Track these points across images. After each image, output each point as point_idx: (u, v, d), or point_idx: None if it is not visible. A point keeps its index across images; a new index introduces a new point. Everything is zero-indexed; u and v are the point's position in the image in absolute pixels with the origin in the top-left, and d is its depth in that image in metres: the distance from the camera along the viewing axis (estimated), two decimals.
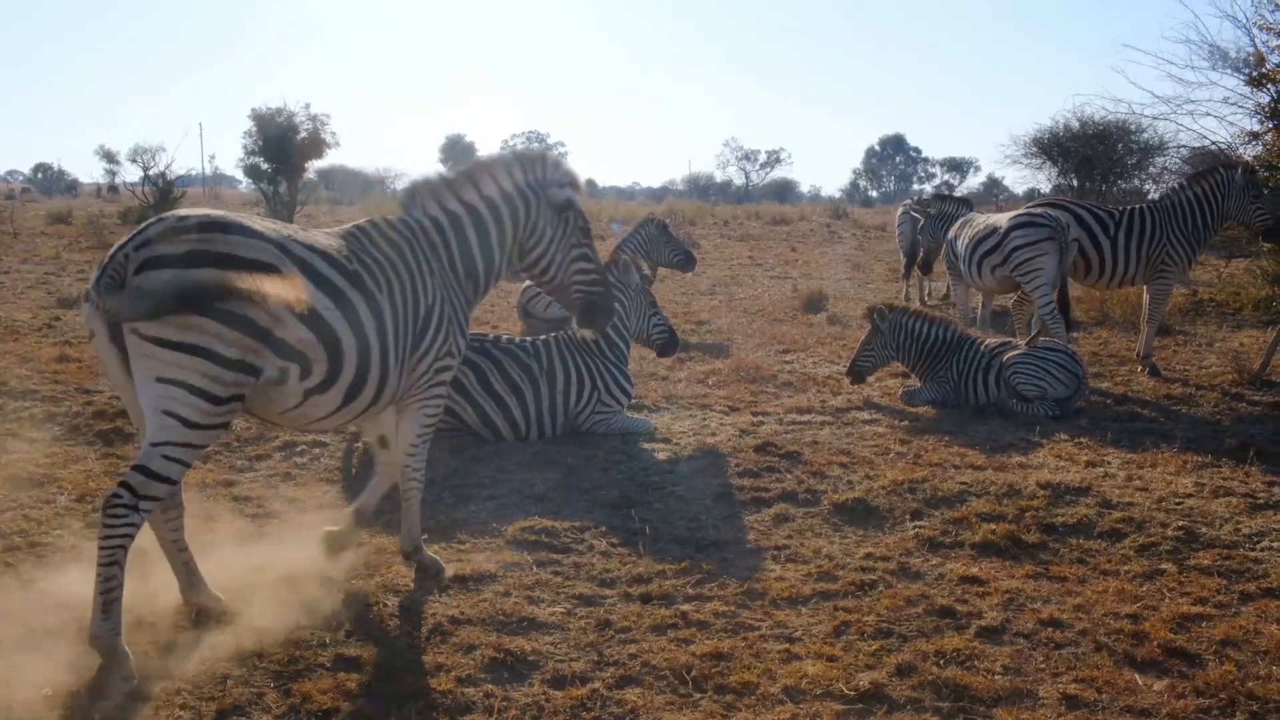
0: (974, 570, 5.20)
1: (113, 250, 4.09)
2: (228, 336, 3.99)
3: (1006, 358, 8.59)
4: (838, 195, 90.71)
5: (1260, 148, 14.33)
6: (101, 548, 4.01)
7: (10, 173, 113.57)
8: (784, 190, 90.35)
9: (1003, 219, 10.47)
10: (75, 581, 4.89)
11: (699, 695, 4.02)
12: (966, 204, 14.12)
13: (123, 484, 4.00)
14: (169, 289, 3.86)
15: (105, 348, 4.14)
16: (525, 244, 5.27)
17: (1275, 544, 5.59)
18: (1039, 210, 10.45)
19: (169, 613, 4.60)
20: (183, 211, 4.22)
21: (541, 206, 5.23)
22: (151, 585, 4.86)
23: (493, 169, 5.17)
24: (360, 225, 4.90)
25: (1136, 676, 4.16)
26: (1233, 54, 14.47)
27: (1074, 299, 14.39)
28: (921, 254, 13.99)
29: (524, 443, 7.44)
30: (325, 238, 4.62)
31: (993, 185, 73.71)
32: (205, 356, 3.97)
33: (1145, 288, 10.47)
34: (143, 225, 4.15)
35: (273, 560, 5.16)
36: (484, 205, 5.12)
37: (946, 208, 13.89)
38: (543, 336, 7.94)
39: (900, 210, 17.28)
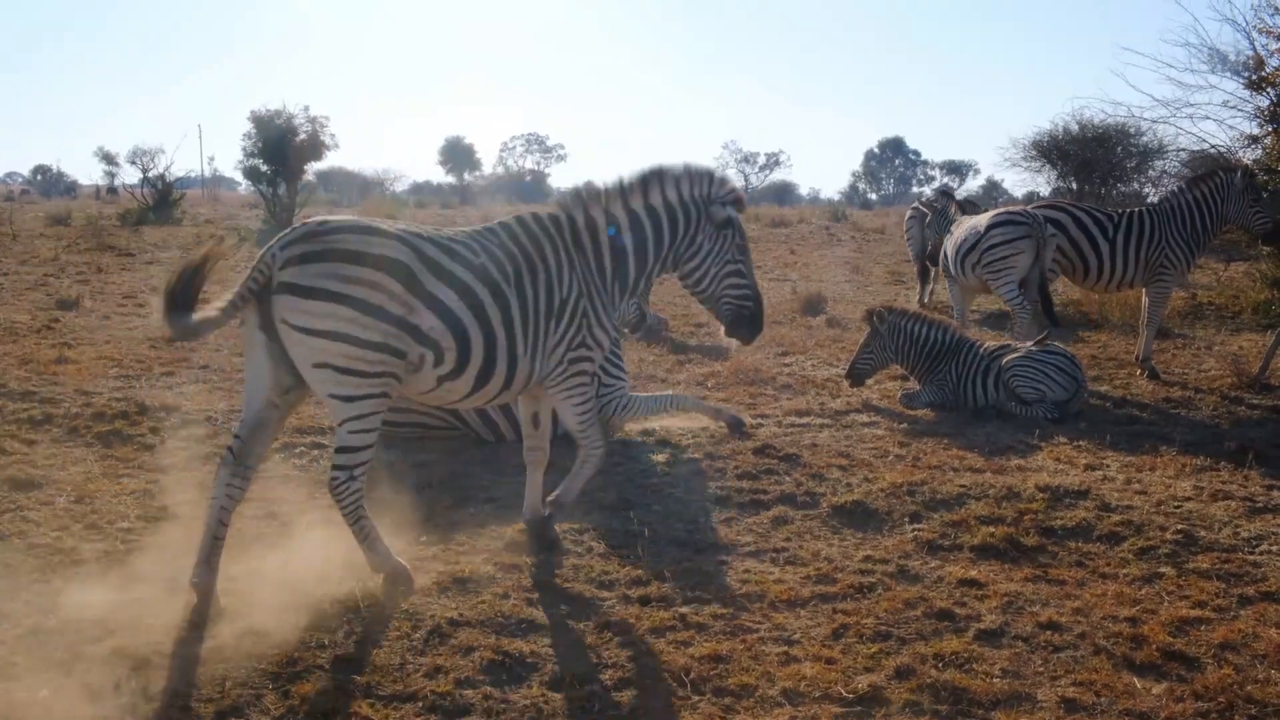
0: (973, 573, 5.20)
1: (262, 251, 4.67)
2: (364, 321, 4.54)
3: (1005, 360, 8.59)
4: (837, 198, 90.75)
5: (1260, 151, 14.39)
6: (344, 514, 4.86)
7: (9, 174, 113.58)
8: (783, 193, 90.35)
9: (985, 219, 10.61)
10: (76, 582, 4.89)
11: (697, 697, 4.02)
12: (973, 205, 14.20)
13: (335, 466, 4.76)
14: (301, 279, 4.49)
15: (252, 332, 4.71)
16: (682, 255, 5.49)
17: (1274, 548, 5.59)
18: (1018, 209, 10.61)
19: (169, 612, 4.59)
20: (323, 216, 4.90)
21: (702, 222, 5.42)
22: (151, 587, 4.86)
23: (662, 180, 5.38)
24: (503, 221, 5.29)
25: (1135, 680, 4.16)
26: (1232, 57, 14.54)
27: (1074, 301, 14.46)
28: (929, 248, 14.07)
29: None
30: (456, 234, 5.05)
31: (992, 188, 73.75)
32: (346, 340, 4.54)
33: (1144, 291, 10.49)
34: (289, 229, 4.75)
35: (280, 562, 5.17)
36: (645, 214, 5.36)
37: (948, 205, 13.96)
38: None
39: (908, 214, 17.36)
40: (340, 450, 4.76)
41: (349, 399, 4.64)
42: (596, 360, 5.40)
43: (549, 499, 5.70)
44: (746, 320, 5.59)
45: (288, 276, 4.54)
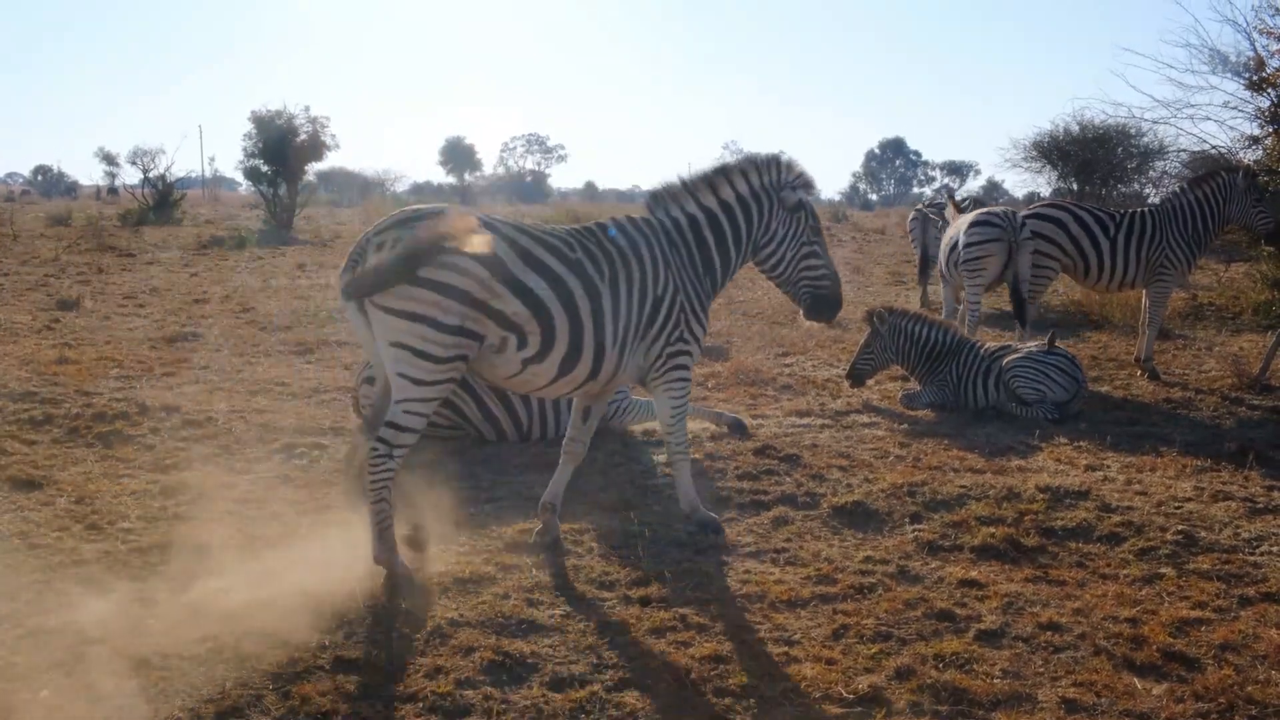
0: (973, 574, 5.20)
1: (359, 238, 4.94)
2: (445, 305, 4.74)
3: (1006, 361, 8.59)
4: (837, 198, 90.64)
5: (1260, 152, 14.39)
6: (369, 489, 4.95)
7: (10, 175, 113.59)
8: None
9: (966, 219, 10.78)
10: (76, 583, 4.90)
11: (698, 698, 4.02)
12: (978, 205, 14.26)
13: (379, 439, 4.90)
14: (387, 266, 4.67)
15: (355, 316, 5.00)
16: (759, 242, 5.70)
17: (1274, 548, 5.59)
18: (998, 211, 10.75)
19: (169, 612, 4.60)
20: (418, 206, 5.10)
21: (775, 208, 5.64)
22: (152, 588, 4.87)
23: (730, 175, 5.62)
24: (600, 222, 5.53)
25: (1135, 680, 4.16)
26: (1233, 58, 14.54)
27: (1074, 302, 14.46)
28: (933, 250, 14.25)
29: (525, 442, 7.44)
30: (555, 229, 5.31)
31: (993, 188, 73.71)
32: (425, 323, 4.75)
33: (1145, 291, 10.49)
34: (385, 218, 5.01)
35: (280, 562, 5.17)
36: (720, 209, 5.59)
37: (946, 206, 14.05)
38: None
39: (911, 215, 17.42)
40: (389, 425, 4.92)
41: (416, 381, 4.85)
42: (695, 355, 5.64)
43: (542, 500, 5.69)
44: (825, 301, 5.81)
45: (380, 261, 4.75)
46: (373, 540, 5.01)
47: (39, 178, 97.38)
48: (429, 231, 4.75)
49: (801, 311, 5.96)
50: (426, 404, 4.93)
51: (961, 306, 11.33)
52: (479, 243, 4.82)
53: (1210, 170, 11.25)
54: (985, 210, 10.92)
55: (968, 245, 10.43)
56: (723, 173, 5.63)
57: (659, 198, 5.64)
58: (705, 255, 5.59)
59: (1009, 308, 11.21)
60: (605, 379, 5.36)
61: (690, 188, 5.61)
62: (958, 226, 10.90)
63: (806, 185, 5.69)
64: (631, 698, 4.00)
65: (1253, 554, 5.52)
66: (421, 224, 4.83)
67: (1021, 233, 10.25)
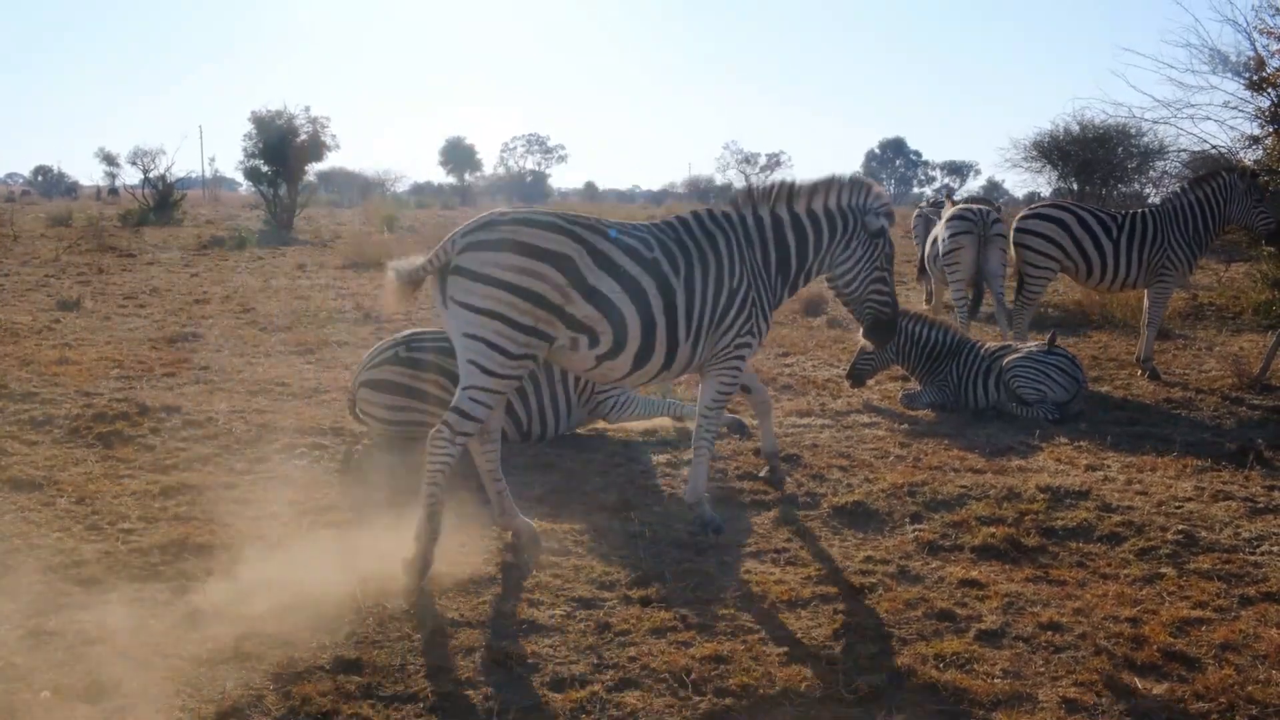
0: (973, 574, 5.20)
1: (445, 239, 5.17)
2: (520, 306, 5.01)
3: (1006, 361, 8.59)
4: None
5: (1260, 152, 14.39)
6: (427, 471, 5.12)
7: (10, 175, 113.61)
8: None
9: (945, 216, 11.09)
10: (76, 583, 4.90)
11: (698, 698, 4.02)
12: (987, 202, 14.39)
13: (444, 423, 5.12)
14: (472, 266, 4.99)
15: (439, 308, 5.21)
16: (837, 257, 5.93)
17: (1275, 548, 5.59)
18: (972, 207, 11.06)
19: (170, 612, 4.60)
20: (503, 209, 5.38)
21: (858, 229, 5.87)
22: (152, 589, 4.87)
23: (826, 187, 5.85)
24: (681, 215, 5.77)
25: (1136, 680, 4.16)
26: (1233, 58, 14.54)
27: (1075, 302, 14.45)
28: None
29: (526, 442, 7.43)
30: (637, 229, 5.52)
31: (993, 188, 73.75)
32: (500, 320, 5.01)
33: (1145, 291, 10.49)
34: (472, 221, 5.24)
35: (281, 562, 5.17)
36: (807, 217, 5.82)
37: (943, 206, 14.13)
38: None
39: (914, 215, 17.51)
40: (454, 410, 5.15)
41: (486, 371, 5.09)
42: (755, 349, 5.86)
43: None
44: (885, 324, 6.12)
45: (462, 261, 5.04)
46: (420, 518, 5.12)
47: (39, 178, 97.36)
48: (511, 234, 5.05)
49: (861, 330, 6.41)
50: (492, 395, 5.16)
51: (937, 303, 11.50)
52: (556, 250, 5.08)
53: (1211, 171, 11.26)
54: (960, 207, 11.19)
55: (944, 239, 10.89)
56: (820, 184, 5.87)
57: (749, 195, 5.84)
58: (782, 257, 5.80)
59: (1007, 306, 11.23)
60: (679, 369, 5.66)
61: (782, 191, 5.83)
62: (939, 225, 11.21)
63: (889, 215, 5.94)
64: (632, 698, 4.00)
65: (1253, 554, 5.52)
66: (505, 226, 5.10)
67: (992, 229, 10.60)
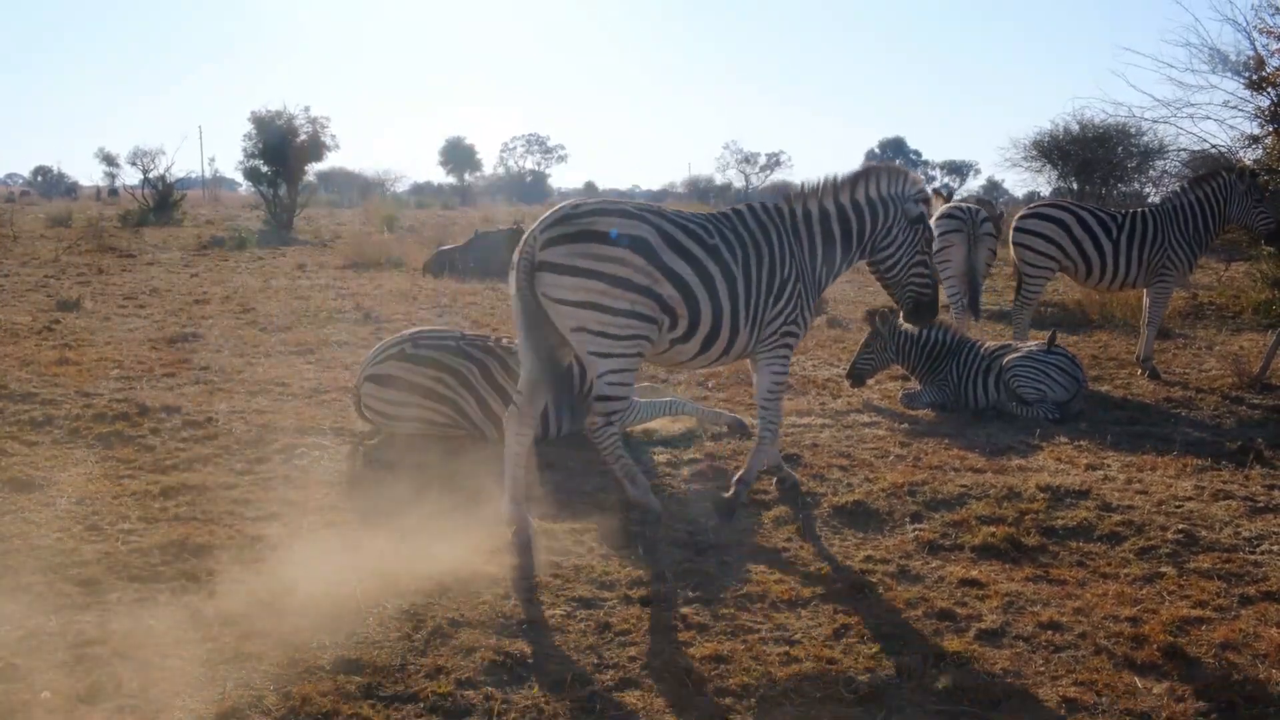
0: (973, 573, 5.20)
1: (527, 233, 5.48)
2: (611, 292, 5.32)
3: (1006, 361, 8.59)
4: None
5: (1260, 151, 14.38)
6: (604, 454, 5.69)
7: (10, 175, 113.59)
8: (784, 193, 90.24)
9: (935, 214, 11.15)
10: (76, 584, 4.89)
11: (699, 698, 4.01)
12: (987, 205, 14.39)
13: (595, 412, 5.54)
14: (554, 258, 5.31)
15: (518, 302, 5.48)
16: (879, 243, 6.23)
17: (1275, 547, 5.59)
18: (961, 205, 11.12)
19: (165, 618, 4.60)
20: (576, 201, 5.66)
21: (898, 216, 6.17)
22: (153, 590, 4.87)
23: (866, 178, 6.16)
24: (735, 208, 6.05)
25: (1136, 679, 4.16)
26: (1233, 57, 14.53)
27: (1075, 302, 14.45)
28: None
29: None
30: (693, 217, 5.81)
31: (993, 188, 73.75)
32: (596, 308, 5.34)
33: (1145, 291, 10.49)
34: (548, 214, 5.53)
35: (281, 563, 5.17)
36: (850, 207, 6.11)
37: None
38: None
39: None
40: (598, 399, 5.54)
41: (604, 356, 5.44)
42: (800, 337, 6.19)
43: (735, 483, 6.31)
44: (926, 307, 6.46)
45: (547, 256, 5.34)
46: (625, 487, 5.75)
47: (39, 178, 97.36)
48: (588, 225, 5.36)
49: (902, 313, 6.67)
50: (622, 374, 5.52)
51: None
52: (635, 235, 5.41)
53: (1210, 170, 11.26)
54: (949, 205, 11.24)
55: (935, 238, 10.81)
56: (859, 175, 6.16)
57: (798, 192, 6.16)
58: (828, 247, 6.09)
59: (1008, 305, 11.23)
60: (737, 354, 5.98)
61: (830, 185, 6.12)
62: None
63: (927, 200, 6.29)
64: (632, 697, 4.00)
65: (1253, 553, 5.52)
66: (581, 218, 5.40)
67: (981, 228, 10.67)
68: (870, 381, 9.42)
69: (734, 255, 5.75)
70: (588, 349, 5.46)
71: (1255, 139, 14.67)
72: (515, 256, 5.47)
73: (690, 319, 5.60)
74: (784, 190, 6.19)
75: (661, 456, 7.27)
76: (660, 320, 5.54)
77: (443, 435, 7.44)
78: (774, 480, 6.45)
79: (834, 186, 6.12)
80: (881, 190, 6.14)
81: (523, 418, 5.72)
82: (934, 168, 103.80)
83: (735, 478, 6.28)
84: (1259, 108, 14.41)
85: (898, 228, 6.19)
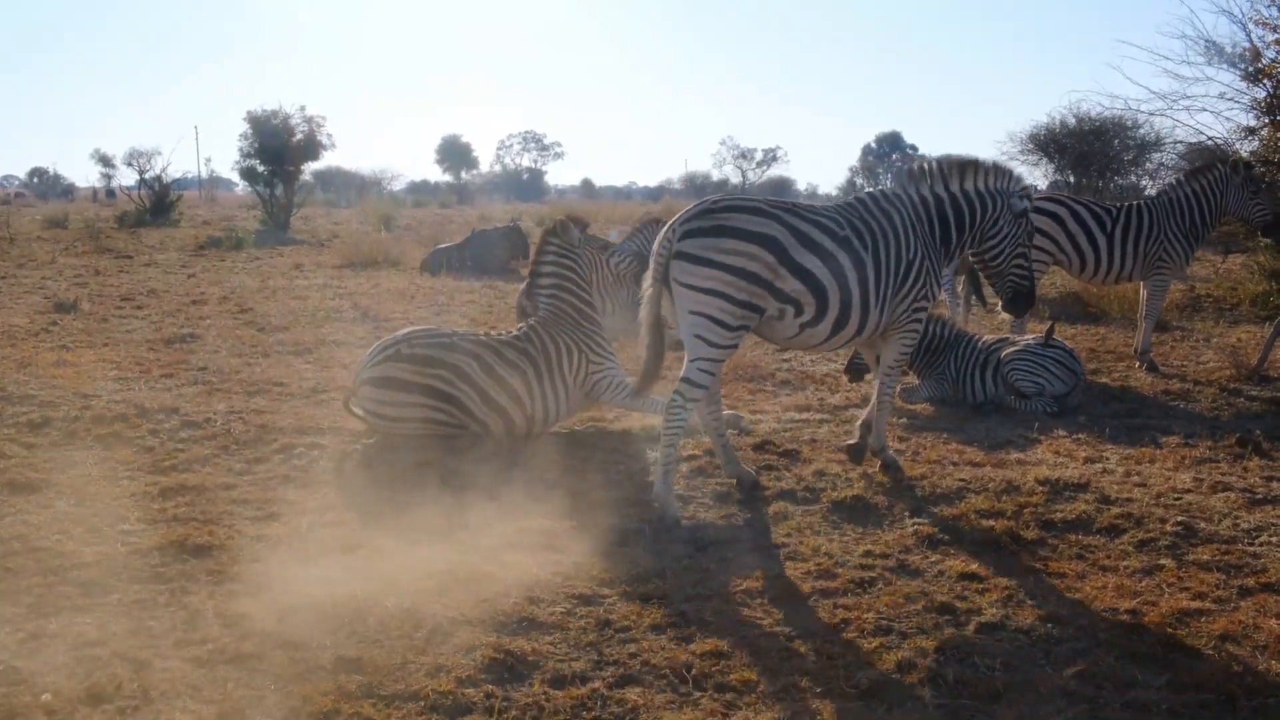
0: (973, 567, 5.20)
1: (665, 227, 5.96)
2: (736, 284, 5.75)
3: (1004, 354, 8.59)
4: (835, 193, 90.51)
5: (1257, 143, 14.36)
6: (664, 434, 5.97)
7: (6, 177, 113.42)
8: (781, 188, 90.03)
9: None
10: (75, 586, 4.89)
11: (699, 694, 4.02)
12: None
13: (676, 392, 5.91)
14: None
15: (653, 289, 5.92)
16: (985, 233, 6.59)
17: (1273, 539, 5.59)
18: None
19: (165, 619, 4.60)
20: (715, 197, 6.08)
21: (1004, 209, 6.53)
22: (152, 591, 4.87)
23: (976, 169, 6.51)
24: (859, 196, 6.43)
25: (1136, 671, 4.16)
26: (1229, 49, 14.49)
27: (1072, 295, 14.46)
28: None
29: (530, 438, 7.44)
30: (826, 210, 6.16)
31: None
32: (720, 296, 5.76)
33: (1142, 284, 10.49)
34: (689, 208, 5.99)
35: (280, 562, 5.17)
36: (962, 195, 6.47)
37: None
38: (522, 324, 8.01)
39: None
40: (683, 380, 5.91)
41: (710, 343, 5.85)
42: (928, 312, 6.58)
43: (859, 422, 6.91)
44: (1023, 297, 6.79)
45: (683, 247, 5.79)
46: (656, 477, 6.03)
47: (35, 180, 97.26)
48: (724, 221, 5.77)
49: (1001, 302, 7.05)
50: (714, 364, 5.93)
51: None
52: (766, 233, 5.77)
53: (1206, 163, 11.25)
54: None
55: None
56: (970, 166, 6.50)
57: (913, 175, 6.51)
58: (943, 231, 6.43)
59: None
60: (869, 333, 6.29)
61: (941, 172, 6.46)
62: None
63: (1030, 196, 6.64)
64: (633, 694, 4.00)
65: (1252, 544, 5.52)
66: (718, 214, 5.81)
67: None
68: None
69: (864, 244, 6.08)
70: (696, 332, 5.84)
71: (1252, 131, 14.65)
72: (655, 247, 5.90)
73: (818, 307, 5.95)
74: (901, 178, 6.56)
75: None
76: (778, 310, 5.91)
77: (445, 435, 7.44)
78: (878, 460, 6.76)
79: (944, 173, 6.46)
80: (989, 183, 6.49)
81: (710, 397, 6.28)
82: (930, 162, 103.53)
83: (873, 450, 6.78)
84: (1255, 99, 14.39)
85: (1004, 220, 6.52)
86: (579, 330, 7.84)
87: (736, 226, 5.77)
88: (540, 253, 7.99)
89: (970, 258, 6.96)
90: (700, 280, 5.77)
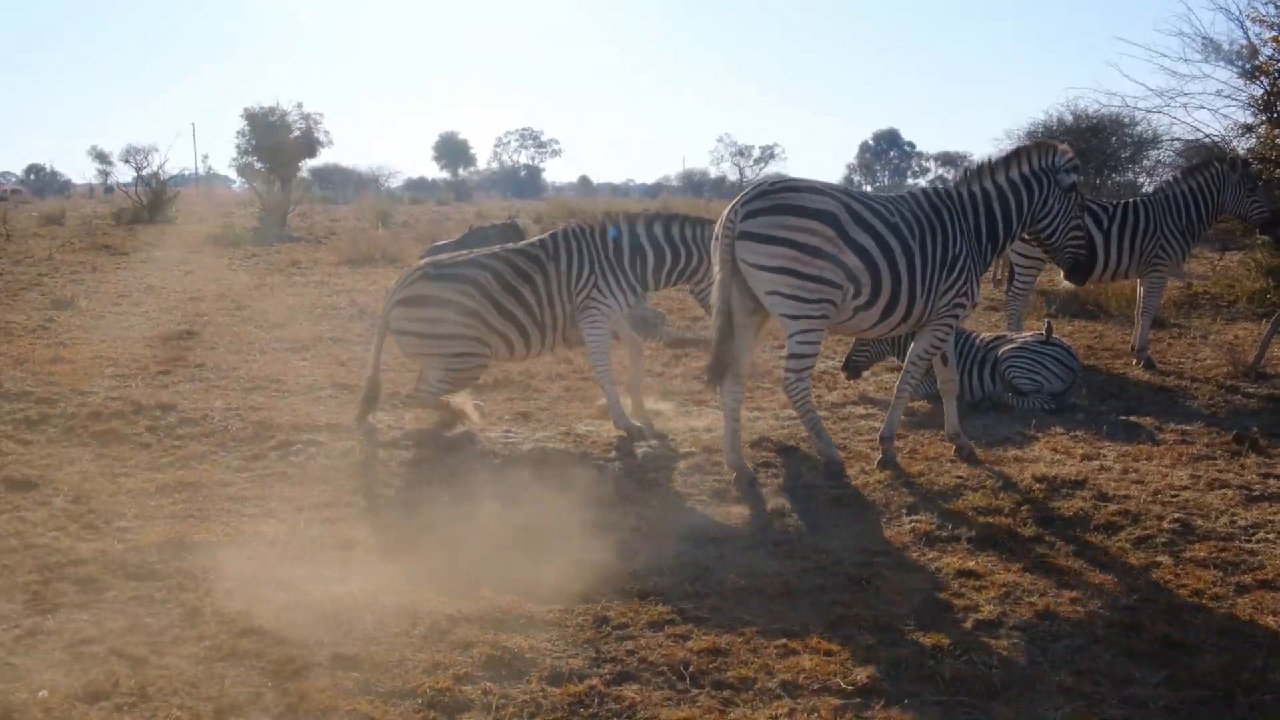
0: (970, 564, 5.21)
1: (727, 209, 6.17)
2: (802, 259, 5.95)
3: (1001, 352, 8.59)
4: None
5: (1254, 140, 14.37)
6: (797, 407, 6.52)
7: (3, 174, 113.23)
8: None
9: None
10: (73, 583, 4.89)
11: (696, 691, 4.02)
12: None
13: (788, 370, 6.29)
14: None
15: (721, 271, 6.13)
16: (1038, 215, 6.73)
17: (1271, 536, 5.60)
18: None
19: (162, 616, 4.59)
20: (774, 178, 6.39)
21: (1052, 187, 6.65)
22: (149, 588, 4.86)
23: (1018, 157, 6.66)
24: (910, 191, 6.62)
25: (1133, 668, 4.16)
26: (1226, 47, 14.49)
27: (1069, 292, 14.45)
28: None
29: (541, 337, 7.73)
30: (877, 199, 6.36)
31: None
32: (789, 274, 5.98)
33: (1139, 281, 10.49)
34: (746, 190, 6.21)
35: (277, 559, 5.16)
36: (1008, 185, 6.61)
37: None
38: (554, 230, 8.20)
39: None
40: (791, 357, 6.23)
41: (795, 318, 6.09)
42: (968, 309, 6.73)
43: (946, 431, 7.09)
44: (1083, 266, 7.00)
45: (746, 227, 5.99)
46: (814, 440, 6.60)
47: (32, 177, 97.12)
48: (784, 199, 5.99)
49: (1063, 274, 7.27)
50: (811, 334, 6.17)
51: None
52: (824, 209, 6.00)
53: (1204, 160, 11.26)
54: None
55: None
56: (1012, 155, 6.67)
57: (965, 175, 6.71)
58: (991, 225, 6.60)
59: (1002, 298, 11.22)
60: (913, 323, 6.53)
61: (988, 167, 6.63)
62: None
63: (1077, 168, 6.73)
64: (630, 691, 4.00)
65: (1249, 541, 5.53)
66: (778, 194, 6.04)
67: None
68: (866, 374, 9.42)
69: (912, 232, 6.26)
70: (780, 311, 6.10)
71: (1249, 128, 14.66)
72: (718, 229, 6.13)
73: (872, 287, 6.15)
74: (955, 175, 6.76)
75: (658, 452, 7.27)
76: (846, 287, 6.10)
77: (472, 357, 7.55)
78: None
79: (991, 167, 6.61)
80: (1034, 165, 6.60)
81: (734, 379, 6.37)
82: (928, 159, 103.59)
83: (882, 438, 6.89)
84: (1252, 97, 14.40)
85: (1054, 198, 6.65)
86: (604, 258, 7.87)
87: (797, 204, 6.00)
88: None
89: (1026, 237, 7.11)
90: (767, 259, 5.98)
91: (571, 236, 7.85)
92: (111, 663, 4.12)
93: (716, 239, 6.18)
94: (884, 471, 6.62)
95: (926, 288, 6.35)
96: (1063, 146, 6.73)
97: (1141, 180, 26.81)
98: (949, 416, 7.02)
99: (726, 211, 6.15)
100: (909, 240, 6.24)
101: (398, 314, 7.65)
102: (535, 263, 7.74)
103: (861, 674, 4.09)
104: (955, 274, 6.45)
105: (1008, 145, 27.53)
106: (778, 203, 6.01)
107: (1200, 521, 5.76)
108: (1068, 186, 6.65)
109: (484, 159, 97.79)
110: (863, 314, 6.26)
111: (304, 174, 37.06)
